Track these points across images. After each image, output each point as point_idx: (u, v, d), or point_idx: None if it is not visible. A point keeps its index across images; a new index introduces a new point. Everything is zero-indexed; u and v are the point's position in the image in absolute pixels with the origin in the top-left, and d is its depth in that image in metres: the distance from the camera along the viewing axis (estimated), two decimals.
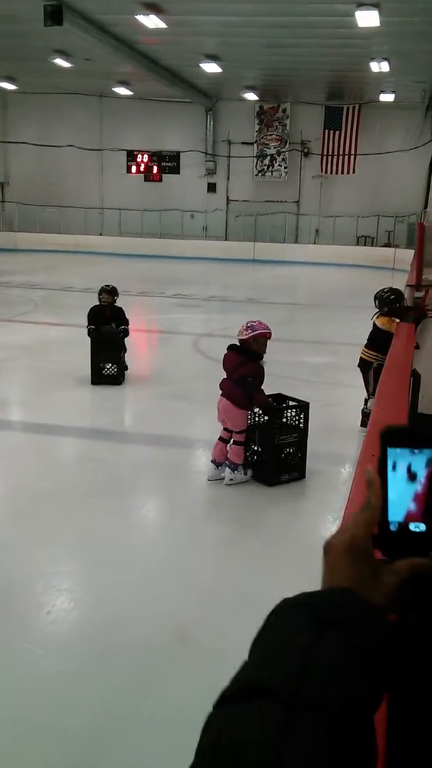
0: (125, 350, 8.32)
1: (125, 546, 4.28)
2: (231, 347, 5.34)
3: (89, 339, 8.16)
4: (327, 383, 8.26)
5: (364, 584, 0.66)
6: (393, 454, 0.68)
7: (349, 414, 6.99)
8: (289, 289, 20.30)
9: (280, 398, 5.51)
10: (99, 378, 8.04)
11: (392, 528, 0.68)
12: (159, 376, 9.05)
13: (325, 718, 0.52)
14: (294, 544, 4.38)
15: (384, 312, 6.66)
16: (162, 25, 17.29)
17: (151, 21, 17.07)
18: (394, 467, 0.68)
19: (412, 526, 0.67)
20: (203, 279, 21.43)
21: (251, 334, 5.16)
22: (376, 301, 6.78)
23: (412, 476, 0.68)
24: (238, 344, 5.28)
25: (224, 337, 11.96)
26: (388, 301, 6.64)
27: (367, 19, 15.68)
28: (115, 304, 8.52)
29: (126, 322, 8.45)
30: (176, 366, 9.63)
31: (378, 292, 6.82)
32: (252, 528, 4.63)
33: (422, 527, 0.67)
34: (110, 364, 8.11)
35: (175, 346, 11.21)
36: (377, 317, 6.75)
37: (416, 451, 0.67)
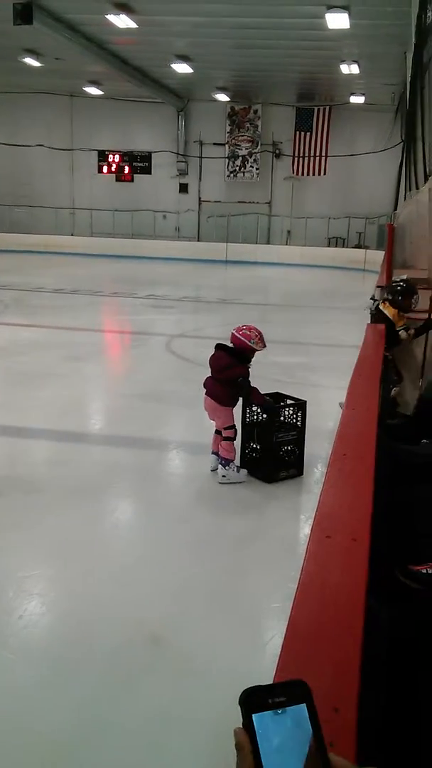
0: None
1: (99, 549, 4.25)
2: (222, 347, 5.34)
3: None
4: (299, 383, 8.29)
5: None
6: (260, 721, 0.64)
7: (321, 414, 7.03)
8: (261, 290, 20.36)
9: (277, 396, 5.59)
10: None
11: None
12: (131, 377, 9.02)
13: None
14: (266, 545, 4.39)
15: (388, 299, 6.35)
16: (132, 24, 17.26)
17: (122, 21, 17.04)
18: (269, 737, 0.63)
19: None
20: (175, 280, 21.41)
21: (263, 347, 5.28)
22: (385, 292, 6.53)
23: (290, 742, 0.63)
24: (230, 344, 5.30)
25: (197, 338, 11.98)
26: (392, 290, 6.35)
27: (337, 21, 15.83)
28: None
29: None
30: (149, 367, 9.60)
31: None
32: (226, 528, 4.62)
33: None
34: None
35: (147, 347, 11.18)
36: (382, 303, 6.41)
37: (279, 711, 0.64)
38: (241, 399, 5.40)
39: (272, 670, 1.15)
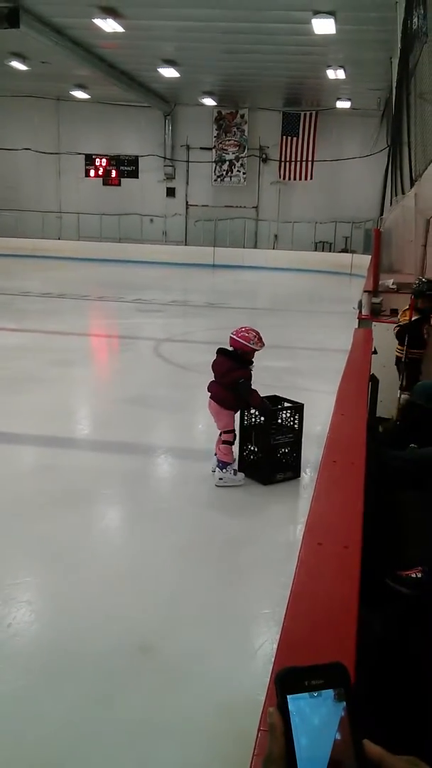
0: None
1: (87, 556, 4.23)
2: (223, 352, 5.43)
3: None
4: (287, 388, 8.29)
5: None
6: (295, 703, 0.63)
7: (310, 418, 7.04)
8: (249, 294, 20.39)
9: (275, 399, 5.65)
10: None
11: None
12: (119, 382, 9.00)
13: None
14: (257, 549, 4.39)
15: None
16: (119, 29, 17.25)
17: (109, 25, 17.02)
18: (303, 719, 0.63)
19: None
20: (163, 284, 21.39)
21: (262, 346, 5.38)
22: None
23: (325, 726, 0.63)
24: (229, 348, 5.39)
25: (185, 342, 11.96)
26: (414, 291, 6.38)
27: (323, 26, 15.90)
28: None
29: None
30: (137, 371, 9.58)
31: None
32: (216, 536, 4.62)
33: None
34: None
35: (135, 351, 11.15)
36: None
37: (315, 694, 0.63)
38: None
39: (264, 676, 1.14)
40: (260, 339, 5.36)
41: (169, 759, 2.59)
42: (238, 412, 5.50)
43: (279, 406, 5.58)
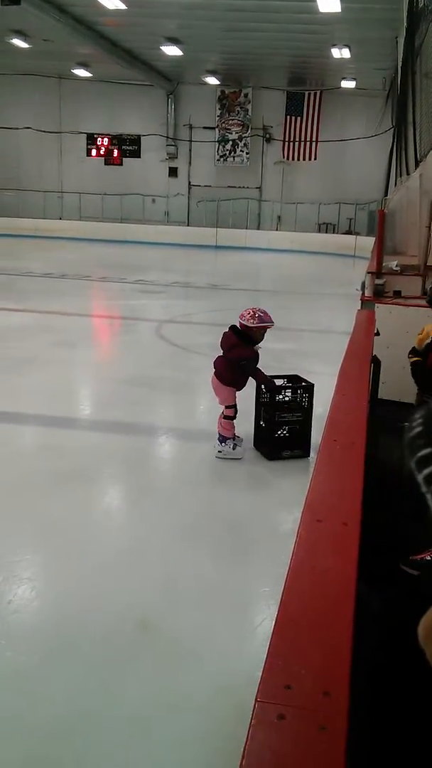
0: None
1: (88, 535, 4.25)
2: (232, 327, 5.50)
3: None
4: (291, 369, 8.27)
5: None
6: None
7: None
8: (252, 276, 20.31)
9: (296, 379, 5.73)
10: None
11: None
12: (121, 363, 8.99)
13: None
14: (257, 529, 4.40)
15: None
16: (122, 6, 17.06)
17: (111, 2, 16.84)
18: None
19: None
20: (165, 265, 21.31)
21: (257, 324, 5.35)
22: None
23: None
24: (238, 326, 5.44)
25: (187, 323, 11.94)
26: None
27: (328, 4, 15.71)
28: None
29: None
30: (139, 352, 9.57)
31: None
32: (216, 516, 4.63)
33: None
34: None
35: (137, 332, 11.13)
36: None
37: None
38: (252, 380, 5.53)
39: (262, 654, 1.15)
40: (252, 317, 5.31)
41: (168, 735, 2.62)
42: (250, 390, 5.55)
43: (283, 384, 5.64)
